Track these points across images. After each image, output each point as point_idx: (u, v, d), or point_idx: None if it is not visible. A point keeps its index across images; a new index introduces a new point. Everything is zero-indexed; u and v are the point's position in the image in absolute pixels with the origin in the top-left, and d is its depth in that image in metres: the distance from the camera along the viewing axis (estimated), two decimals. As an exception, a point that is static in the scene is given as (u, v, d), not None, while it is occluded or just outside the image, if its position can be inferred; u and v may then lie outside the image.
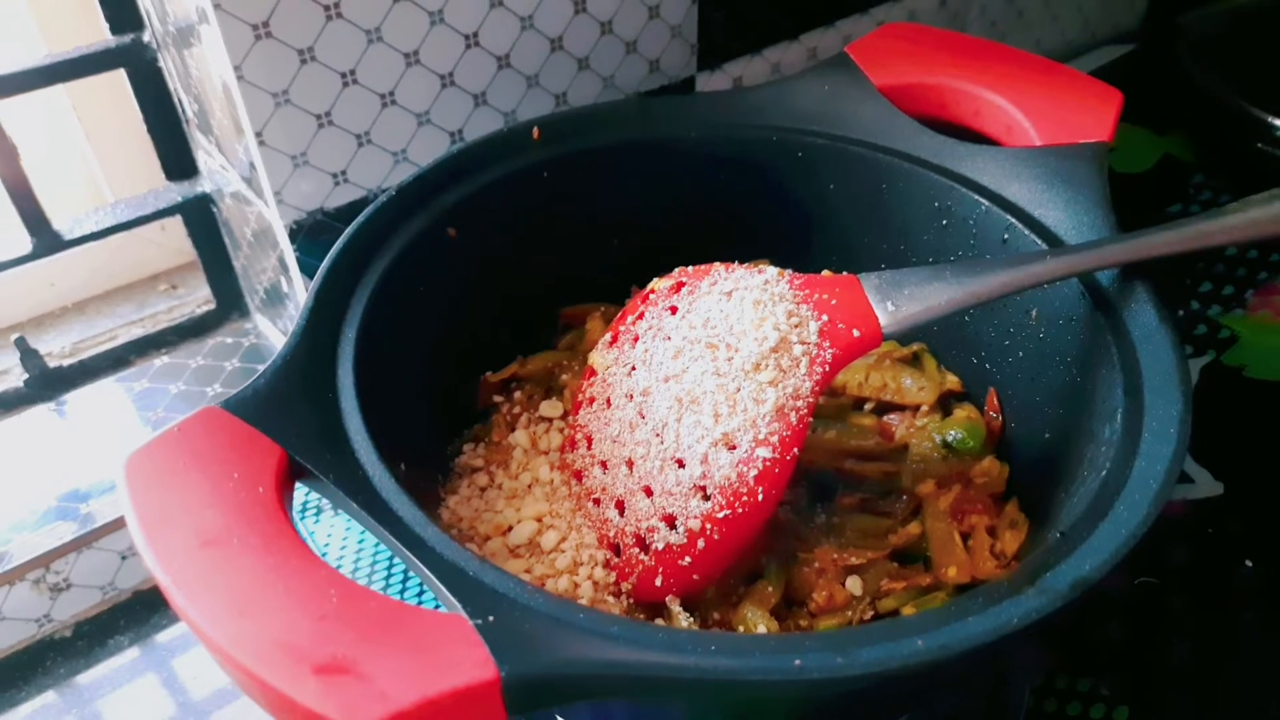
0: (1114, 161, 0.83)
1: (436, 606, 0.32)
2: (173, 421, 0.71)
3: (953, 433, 0.49)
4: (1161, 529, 0.56)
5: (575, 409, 0.48)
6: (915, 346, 0.54)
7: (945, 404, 0.52)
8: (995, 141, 0.52)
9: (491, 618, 0.30)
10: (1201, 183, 0.83)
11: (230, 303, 0.80)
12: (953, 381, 0.52)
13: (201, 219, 0.74)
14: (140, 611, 0.67)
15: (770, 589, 0.42)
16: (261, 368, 0.78)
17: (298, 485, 0.35)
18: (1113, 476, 0.36)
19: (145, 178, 0.76)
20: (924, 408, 0.51)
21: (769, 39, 0.78)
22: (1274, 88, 0.81)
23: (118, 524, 0.65)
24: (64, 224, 0.69)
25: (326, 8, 0.55)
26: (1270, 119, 0.78)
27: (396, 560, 0.54)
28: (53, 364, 0.74)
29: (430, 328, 0.48)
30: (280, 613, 0.28)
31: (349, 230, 0.45)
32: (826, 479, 0.48)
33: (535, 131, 0.52)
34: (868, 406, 0.53)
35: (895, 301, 0.42)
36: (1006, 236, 0.48)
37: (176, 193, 0.72)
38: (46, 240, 0.68)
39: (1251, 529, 0.58)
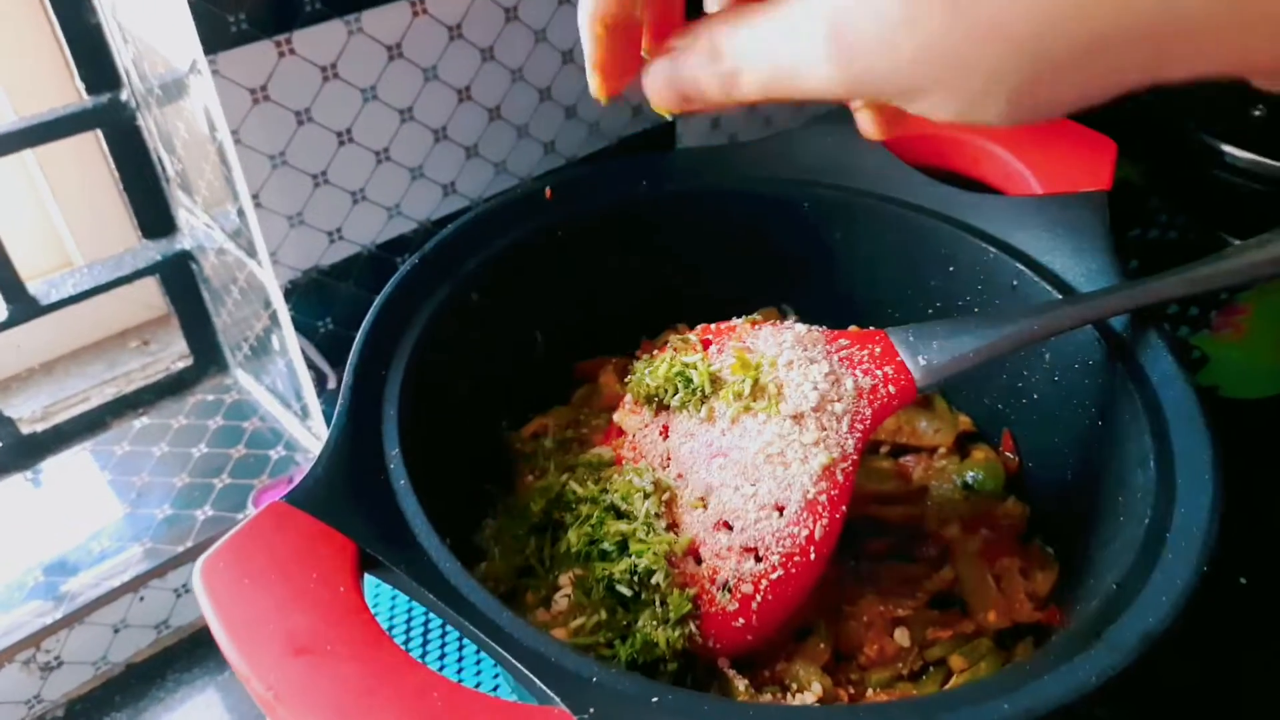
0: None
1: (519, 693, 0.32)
2: (160, 488, 0.69)
3: (971, 474, 0.51)
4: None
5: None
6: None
7: (960, 445, 0.53)
8: (996, 190, 0.54)
9: (592, 709, 0.30)
10: (1157, 205, 0.87)
11: (208, 358, 0.78)
12: (965, 422, 0.54)
13: (179, 276, 0.73)
14: (135, 685, 0.65)
15: (822, 645, 0.43)
16: (247, 425, 0.77)
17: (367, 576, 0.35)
18: (1155, 525, 0.37)
19: (113, 233, 0.74)
20: (941, 449, 0.52)
21: (746, 80, 0.79)
22: (1226, 114, 0.85)
23: (109, 597, 0.63)
24: (39, 289, 0.67)
25: (323, 69, 0.55)
26: (1220, 145, 0.81)
27: (448, 629, 0.53)
28: (25, 430, 0.71)
29: (460, 394, 0.48)
30: (387, 716, 0.28)
31: (379, 300, 0.45)
32: (851, 524, 0.49)
33: (548, 192, 0.52)
34: (883, 450, 0.54)
35: (925, 355, 0.43)
36: (1015, 283, 0.50)
37: (155, 251, 0.71)
38: (23, 307, 0.66)
39: (1243, 545, 0.61)
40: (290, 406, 0.72)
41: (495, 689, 0.49)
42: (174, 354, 0.78)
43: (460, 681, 0.44)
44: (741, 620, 0.41)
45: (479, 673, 0.50)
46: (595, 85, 0.34)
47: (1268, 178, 0.80)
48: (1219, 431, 0.40)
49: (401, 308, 0.45)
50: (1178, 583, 0.34)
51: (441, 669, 0.50)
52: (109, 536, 0.65)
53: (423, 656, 0.50)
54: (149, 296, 0.81)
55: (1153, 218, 0.86)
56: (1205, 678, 0.54)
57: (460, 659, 0.52)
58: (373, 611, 0.52)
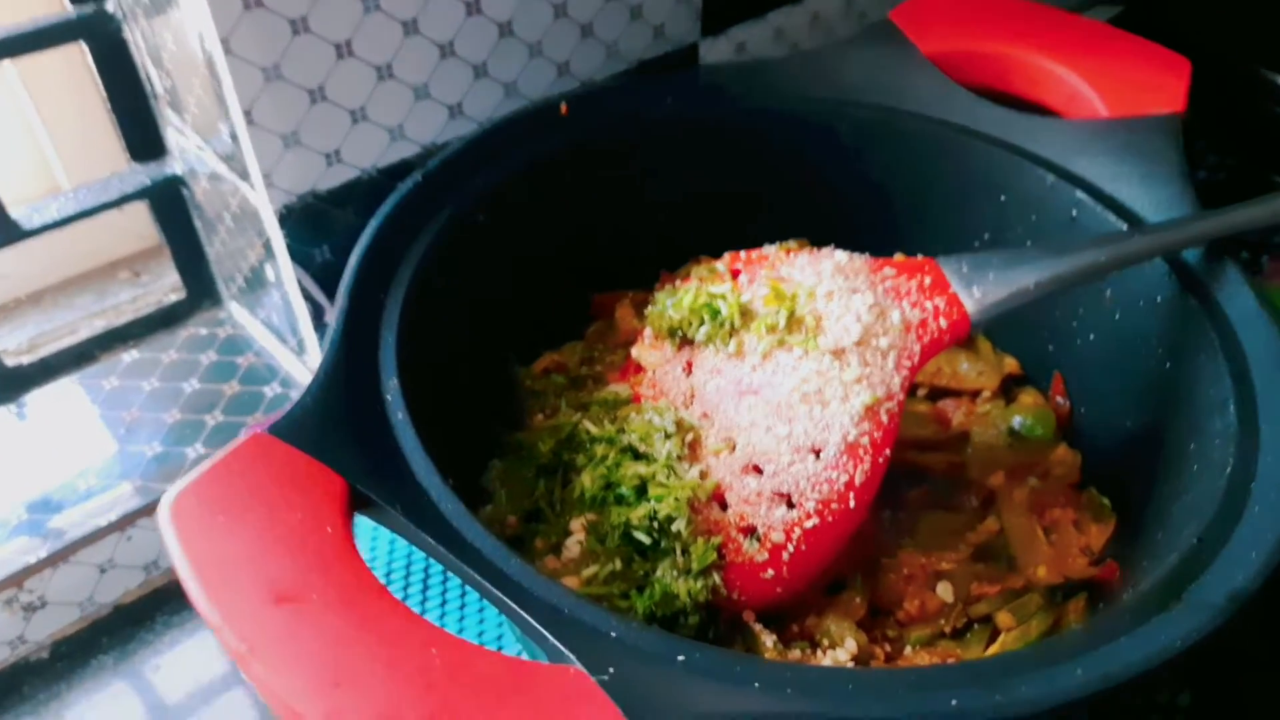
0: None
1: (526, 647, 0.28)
2: (150, 424, 0.66)
3: (1018, 419, 0.47)
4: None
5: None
6: (968, 328, 0.52)
7: (1005, 389, 0.49)
8: (1057, 112, 0.49)
9: (612, 669, 0.26)
10: (1204, 146, 0.82)
11: (201, 291, 0.74)
12: (1011, 364, 0.50)
13: (170, 202, 0.68)
14: (123, 627, 0.62)
15: (857, 600, 0.39)
16: (241, 360, 0.73)
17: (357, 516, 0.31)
18: (1238, 473, 0.33)
19: (102, 158, 0.70)
20: (984, 393, 0.48)
21: (773, 2, 0.74)
22: (1265, 42, 0.79)
23: (96, 536, 0.60)
24: (21, 213, 0.62)
25: (321, -29, 0.50)
26: (1275, 77, 0.76)
27: (450, 577, 0.49)
28: (10, 362, 0.68)
29: (462, 324, 0.44)
30: (382, 681, 0.24)
31: (375, 220, 0.41)
32: (888, 477, 0.45)
33: (564, 108, 0.48)
34: (920, 392, 0.50)
35: (980, 287, 0.39)
36: (1075, 213, 0.45)
37: (144, 175, 0.66)
38: (4, 231, 0.61)
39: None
40: (286, 341, 0.69)
41: (500, 645, 0.45)
42: (166, 286, 0.75)
43: (462, 636, 0.40)
44: (771, 571, 0.37)
45: (483, 627, 0.47)
46: None
47: (1327, 116, 0.75)
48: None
49: (402, 227, 0.41)
50: (1268, 536, 0.31)
51: (441, 622, 0.47)
52: (96, 473, 0.62)
53: (420, 608, 0.47)
54: (140, 226, 0.76)
55: (1201, 159, 0.81)
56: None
57: (463, 611, 0.48)
58: (366, 559, 0.49)
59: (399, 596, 0.48)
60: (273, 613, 0.25)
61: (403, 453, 0.33)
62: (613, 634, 0.28)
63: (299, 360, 0.68)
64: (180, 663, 0.59)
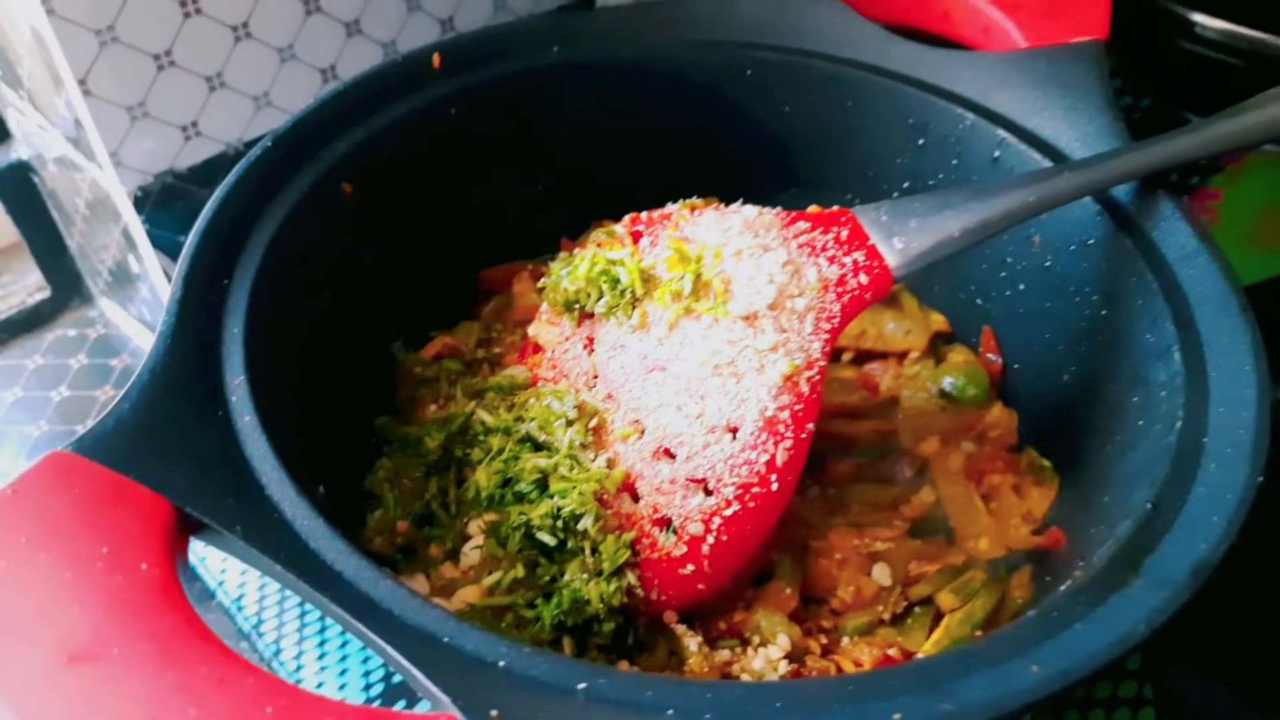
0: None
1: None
2: (16, 437, 0.59)
3: (949, 380, 0.43)
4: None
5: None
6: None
7: (933, 348, 0.46)
8: (971, 47, 0.45)
9: (494, 713, 0.22)
10: (1119, 88, 0.80)
11: (68, 288, 0.68)
12: (939, 321, 0.46)
13: (21, 192, 0.62)
14: None
15: (788, 590, 0.35)
16: (115, 362, 0.67)
17: (192, 540, 0.26)
18: (1190, 427, 0.30)
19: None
20: (912, 354, 0.45)
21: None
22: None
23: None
24: None
25: (155, -86, 0.44)
26: (1190, 15, 0.74)
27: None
28: None
29: (331, 309, 0.39)
30: (198, 756, 0.19)
31: (218, 194, 0.35)
32: (813, 451, 0.42)
33: (436, 59, 0.43)
34: (845, 357, 0.46)
35: (902, 237, 0.35)
36: (997, 154, 0.42)
37: (-15, 161, 0.59)
38: None
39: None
40: (163, 339, 0.62)
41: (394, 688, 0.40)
42: (29, 286, 0.69)
43: (325, 687, 0.35)
44: (691, 566, 0.33)
45: (367, 667, 0.41)
46: None
47: (1241, 49, 0.73)
48: (1251, 312, 0.33)
49: (252, 201, 0.36)
50: (1228, 497, 0.27)
51: (322, 660, 0.41)
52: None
53: (283, 650, 0.41)
54: (-3, 221, 0.69)
55: (1117, 100, 0.78)
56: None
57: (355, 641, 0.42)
58: (219, 588, 0.43)
59: (264, 634, 0.42)
60: (63, 677, 0.20)
61: (249, 463, 0.28)
62: (500, 663, 0.24)
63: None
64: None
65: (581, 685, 0.24)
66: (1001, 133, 0.41)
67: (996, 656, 0.24)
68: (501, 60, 0.43)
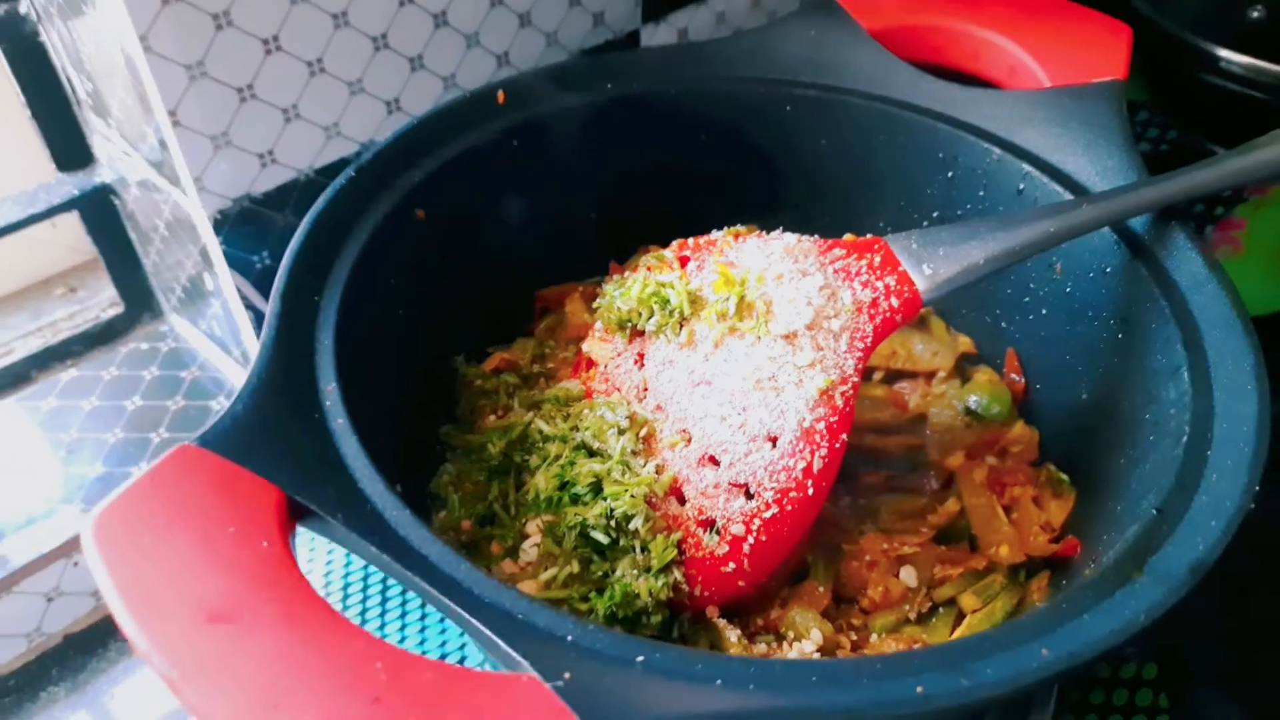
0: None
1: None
2: (92, 444, 0.64)
3: (974, 398, 0.46)
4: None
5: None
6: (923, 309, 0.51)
7: (960, 368, 0.49)
8: (998, 85, 0.49)
9: (567, 674, 0.25)
10: (1146, 119, 0.83)
11: (140, 304, 0.72)
12: (965, 343, 0.50)
13: (102, 213, 0.67)
14: (74, 657, 0.60)
15: (820, 589, 0.39)
16: (185, 375, 0.71)
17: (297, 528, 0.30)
18: (1195, 442, 0.33)
19: (27, 169, 0.68)
20: (940, 374, 0.48)
21: (714, -14, 0.73)
22: (1216, 13, 0.80)
23: (40, 564, 0.58)
24: (-57, 227, 0.60)
25: (244, -37, 0.48)
26: (1216, 50, 0.77)
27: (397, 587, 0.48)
28: (-59, 387, 0.65)
29: (404, 325, 0.43)
30: (323, 699, 0.23)
31: (308, 218, 0.39)
32: (846, 462, 0.45)
33: (500, 96, 0.47)
34: (876, 376, 0.49)
35: (931, 264, 0.38)
36: (1022, 186, 0.45)
37: (72, 185, 0.65)
38: (-77, 247, 0.59)
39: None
40: (230, 353, 0.67)
41: (463, 656, 0.44)
42: (103, 301, 0.73)
43: (422, 648, 0.39)
44: (732, 564, 0.37)
45: (445, 638, 0.45)
46: None
47: (1266, 83, 0.76)
48: (1255, 336, 0.36)
49: (337, 226, 0.40)
50: (1226, 504, 0.30)
51: (401, 634, 0.45)
52: (38, 498, 0.61)
53: (379, 619, 0.45)
54: (74, 240, 0.74)
55: (1143, 132, 0.82)
56: (1221, 607, 0.51)
57: (423, 622, 0.46)
58: (307, 571, 0.47)
59: (348, 610, 0.47)
60: (204, 634, 0.24)
61: (344, 460, 0.32)
62: (568, 638, 0.27)
63: (244, 371, 0.66)
64: (135, 691, 0.58)
65: (640, 658, 0.27)
66: (1026, 167, 0.45)
67: (1010, 641, 0.28)
68: (559, 96, 0.47)
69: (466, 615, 0.27)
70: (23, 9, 0.58)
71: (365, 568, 0.50)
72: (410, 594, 0.46)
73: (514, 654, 0.26)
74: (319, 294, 0.38)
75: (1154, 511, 0.31)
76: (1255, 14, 0.79)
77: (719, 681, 0.26)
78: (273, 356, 0.34)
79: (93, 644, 0.61)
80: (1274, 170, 0.41)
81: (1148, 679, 0.48)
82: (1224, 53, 0.77)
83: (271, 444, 0.30)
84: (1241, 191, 0.77)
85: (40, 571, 0.58)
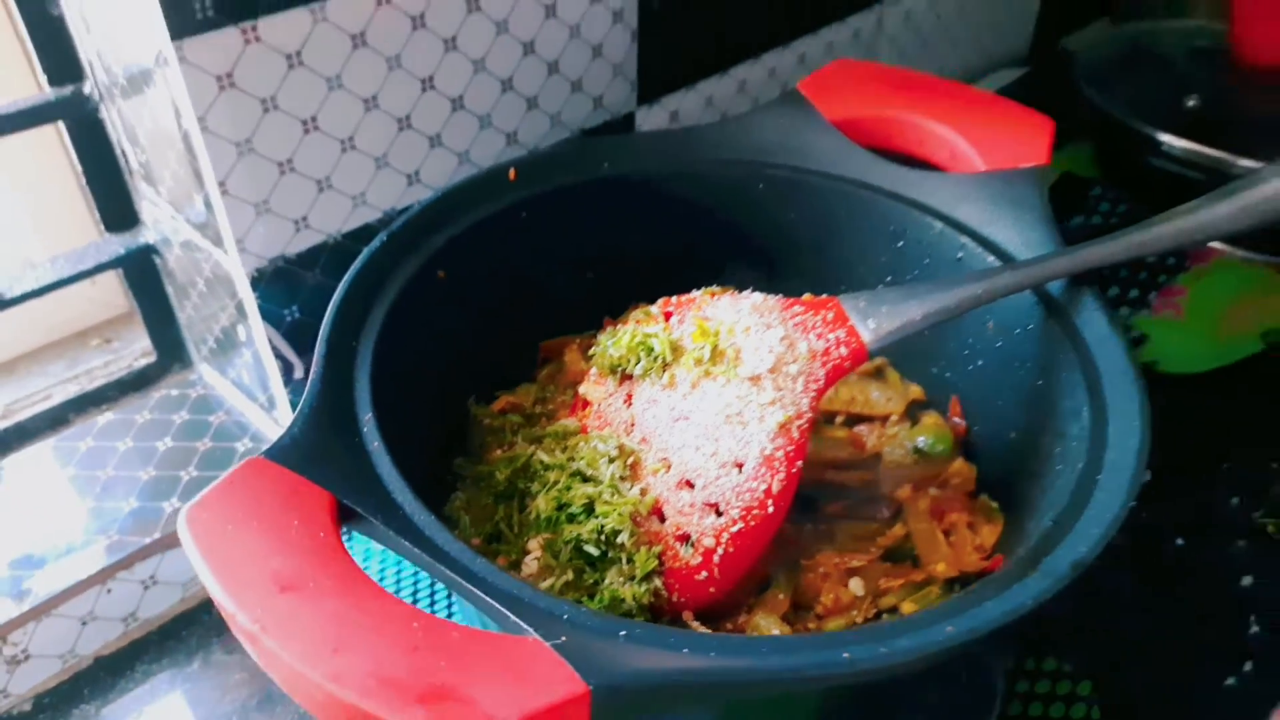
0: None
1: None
2: (126, 481, 0.70)
3: (922, 439, 0.54)
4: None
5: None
6: (878, 361, 0.59)
7: (911, 413, 0.56)
8: (940, 168, 0.57)
9: (564, 638, 0.32)
10: (1099, 194, 0.91)
11: (172, 354, 0.79)
12: (916, 391, 0.57)
13: (143, 270, 0.73)
14: (104, 678, 0.66)
15: (781, 596, 0.45)
16: (212, 419, 0.78)
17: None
18: (1089, 468, 0.40)
19: (73, 230, 0.75)
20: (893, 417, 0.55)
21: (702, 73, 0.82)
22: (1158, 103, 0.89)
23: (76, 590, 0.64)
24: (3, 283, 0.67)
25: (289, 56, 0.57)
26: (1157, 135, 0.86)
27: (434, 584, 0.55)
28: (-13, 427, 0.72)
29: (429, 364, 0.50)
30: (373, 648, 0.30)
31: (348, 276, 0.47)
32: (809, 490, 0.52)
33: (512, 173, 0.55)
34: (838, 420, 0.57)
35: (875, 319, 0.46)
36: (960, 255, 0.53)
37: (118, 244, 0.72)
38: (-15, 300, 0.66)
39: (1177, 509, 0.65)
40: (255, 399, 0.74)
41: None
42: (136, 351, 0.79)
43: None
44: (704, 573, 0.43)
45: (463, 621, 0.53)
46: None
47: (1202, 165, 0.85)
48: (1146, 384, 0.43)
49: (372, 282, 0.48)
50: (1106, 516, 0.38)
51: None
52: (75, 530, 0.66)
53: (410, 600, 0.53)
54: (109, 295, 0.82)
55: (1095, 206, 0.90)
56: (1156, 633, 0.58)
57: (446, 608, 0.54)
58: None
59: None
60: (277, 600, 0.31)
61: (380, 476, 0.39)
62: (564, 615, 0.34)
63: (268, 416, 0.73)
64: (161, 711, 0.63)
65: (622, 632, 0.34)
66: (963, 238, 0.53)
67: (923, 622, 0.35)
68: (562, 174, 0.55)
69: (483, 596, 0.34)
70: (87, 89, 0.66)
71: (399, 563, 0.57)
72: (436, 585, 0.53)
73: (521, 623, 0.33)
74: (356, 340, 0.45)
75: (1050, 524, 0.39)
76: (1191, 103, 0.88)
77: (685, 650, 0.33)
78: (320, 389, 0.41)
79: (121, 666, 0.66)
80: (1170, 243, 0.49)
81: (1082, 695, 0.55)
82: (1165, 137, 0.86)
83: (323, 459, 0.38)
84: (1184, 262, 0.86)
85: (76, 597, 0.64)
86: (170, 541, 0.67)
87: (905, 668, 0.33)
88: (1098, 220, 0.88)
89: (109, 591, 0.65)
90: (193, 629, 0.68)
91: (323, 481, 0.36)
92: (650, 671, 0.32)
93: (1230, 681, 0.57)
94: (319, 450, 0.38)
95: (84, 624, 0.65)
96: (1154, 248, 0.49)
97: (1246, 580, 0.63)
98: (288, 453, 0.37)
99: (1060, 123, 0.63)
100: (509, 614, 0.33)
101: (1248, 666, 0.58)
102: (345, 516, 0.37)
